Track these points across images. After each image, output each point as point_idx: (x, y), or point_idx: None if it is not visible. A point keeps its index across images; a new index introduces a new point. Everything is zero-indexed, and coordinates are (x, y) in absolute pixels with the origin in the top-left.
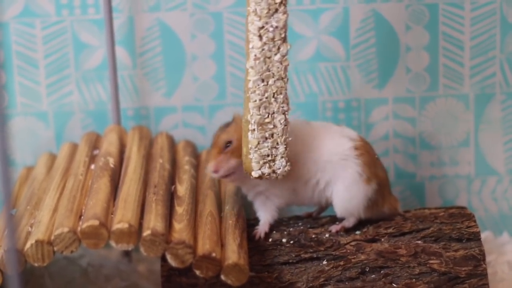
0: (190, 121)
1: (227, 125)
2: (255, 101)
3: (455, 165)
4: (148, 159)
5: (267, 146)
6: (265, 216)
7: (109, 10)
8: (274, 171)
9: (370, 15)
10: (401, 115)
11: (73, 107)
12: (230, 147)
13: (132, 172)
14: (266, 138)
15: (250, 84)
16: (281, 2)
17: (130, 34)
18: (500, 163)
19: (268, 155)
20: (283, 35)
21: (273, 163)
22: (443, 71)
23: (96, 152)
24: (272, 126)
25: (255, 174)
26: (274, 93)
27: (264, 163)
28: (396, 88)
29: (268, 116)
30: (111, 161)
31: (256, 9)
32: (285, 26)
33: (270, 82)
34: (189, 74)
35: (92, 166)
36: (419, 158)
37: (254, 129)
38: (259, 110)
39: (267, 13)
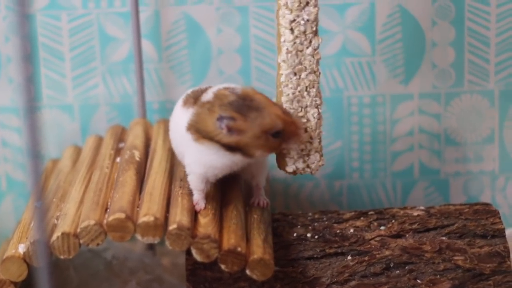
0: None
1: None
2: (288, 95)
3: (479, 162)
4: (173, 152)
5: None
6: None
7: (135, 3)
8: (308, 166)
9: (396, 10)
10: (427, 111)
11: (98, 100)
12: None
13: (157, 165)
14: None
15: (283, 78)
16: None
17: (156, 27)
18: None
19: (302, 150)
20: (314, 29)
21: (308, 158)
22: (469, 67)
23: (121, 145)
24: (305, 120)
25: (289, 169)
26: (306, 87)
27: (299, 157)
28: (422, 84)
29: (301, 110)
30: (137, 154)
31: (287, 2)
32: (316, 19)
33: (303, 75)
34: (215, 68)
35: (118, 159)
36: (444, 154)
37: None
38: (292, 104)
39: (298, 6)
